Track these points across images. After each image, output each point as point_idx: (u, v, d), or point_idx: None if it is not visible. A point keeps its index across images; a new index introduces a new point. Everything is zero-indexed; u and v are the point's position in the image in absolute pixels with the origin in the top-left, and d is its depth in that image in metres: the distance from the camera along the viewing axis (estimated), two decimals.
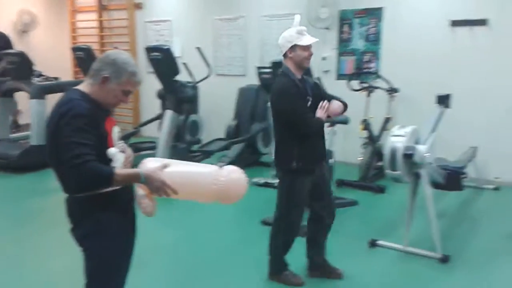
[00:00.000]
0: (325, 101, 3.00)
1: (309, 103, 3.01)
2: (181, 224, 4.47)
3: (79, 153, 1.82)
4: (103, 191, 1.95)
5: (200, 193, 2.13)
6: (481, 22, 5.37)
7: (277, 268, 3.30)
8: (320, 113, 2.97)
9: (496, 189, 5.27)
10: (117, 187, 1.98)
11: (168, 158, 5.31)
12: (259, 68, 5.99)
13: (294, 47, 2.95)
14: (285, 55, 3.01)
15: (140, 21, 8.41)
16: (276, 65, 4.44)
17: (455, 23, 5.53)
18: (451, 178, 4.23)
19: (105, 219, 2.02)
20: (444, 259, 3.55)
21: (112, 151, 2.00)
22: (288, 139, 3.05)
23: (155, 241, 3.94)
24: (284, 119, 3.02)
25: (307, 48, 2.96)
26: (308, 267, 3.39)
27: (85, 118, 1.89)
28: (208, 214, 4.60)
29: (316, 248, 3.36)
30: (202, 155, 5.92)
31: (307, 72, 4.23)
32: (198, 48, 5.74)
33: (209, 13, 7.55)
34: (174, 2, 7.96)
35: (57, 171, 2.00)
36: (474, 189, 5.25)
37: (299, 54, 2.95)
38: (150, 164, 2.03)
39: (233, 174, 2.13)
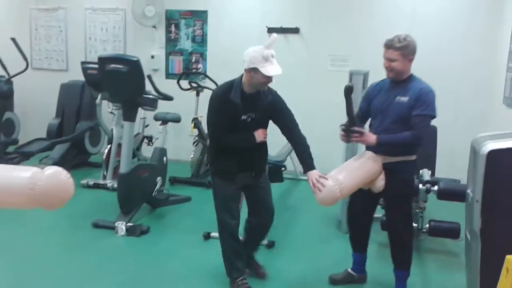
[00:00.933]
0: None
1: (248, 118, 2.97)
2: None
3: None
4: None
5: (16, 200, 1.88)
6: (294, 30, 6.02)
7: (229, 274, 3.24)
8: (259, 134, 3.02)
9: None
10: None
11: None
12: (84, 63, 5.71)
13: (255, 70, 2.81)
14: (245, 69, 2.90)
15: None
16: (103, 60, 4.29)
17: (271, 30, 6.08)
18: (273, 171, 4.65)
19: None
20: (270, 245, 3.93)
21: None
22: (211, 142, 3.17)
23: None
24: (209, 125, 3.07)
25: (268, 78, 2.85)
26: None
27: None
28: (33, 219, 4.27)
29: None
30: (20, 156, 5.40)
31: (135, 64, 4.18)
32: (13, 39, 5.22)
33: (25, 1, 6.90)
34: None
35: None
36: (292, 180, 5.87)
37: (258, 79, 2.84)
38: None
39: (53, 176, 1.91)
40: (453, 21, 5.54)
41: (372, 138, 2.94)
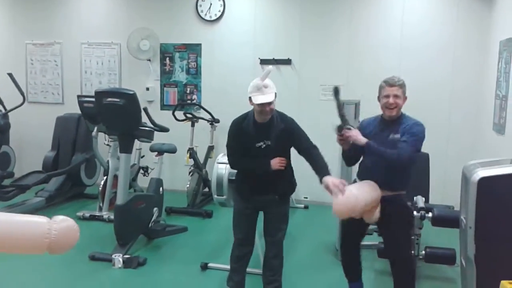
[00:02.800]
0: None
1: (263, 145, 3.20)
2: None
3: None
4: None
5: (29, 247, 1.97)
6: (286, 62, 6.16)
7: (227, 281, 3.52)
8: (275, 162, 3.19)
9: (305, 207, 6.01)
10: None
11: None
12: (80, 96, 5.78)
13: (251, 99, 3.12)
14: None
15: None
16: (100, 94, 4.36)
17: (264, 61, 6.22)
18: None
19: None
20: None
21: None
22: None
23: None
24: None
25: (260, 105, 3.09)
26: None
27: None
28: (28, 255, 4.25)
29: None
30: (17, 190, 5.39)
31: (132, 97, 4.29)
32: (10, 74, 5.29)
33: (20, 36, 7.02)
34: None
35: None
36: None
37: (255, 107, 3.14)
38: None
39: (66, 227, 2.01)
40: (441, 54, 5.68)
41: (362, 138, 3.02)
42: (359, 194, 2.90)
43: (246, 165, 3.32)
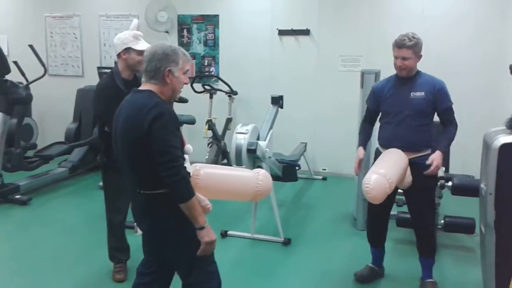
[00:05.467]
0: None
1: None
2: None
3: (177, 156, 2.02)
4: None
5: (243, 195, 2.53)
6: (305, 32, 6.08)
7: (110, 258, 3.45)
8: None
9: (324, 179, 6.02)
10: None
11: (1, 165, 4.95)
12: (100, 68, 5.84)
13: (128, 50, 3.07)
14: (118, 55, 3.14)
15: None
16: None
17: (282, 32, 6.16)
18: (287, 170, 4.74)
19: (184, 216, 2.09)
20: (287, 242, 4.00)
21: (189, 147, 2.18)
22: (100, 136, 3.23)
23: None
24: (97, 116, 3.25)
25: (141, 52, 3.00)
26: None
27: (176, 121, 2.08)
28: (54, 221, 4.41)
29: None
30: (40, 160, 5.52)
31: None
32: (31, 46, 5.33)
33: (39, 9, 7.07)
34: None
35: (138, 169, 2.11)
36: (306, 179, 5.93)
37: (133, 57, 3.08)
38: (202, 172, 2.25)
39: (266, 177, 2.50)
40: (462, 21, 5.55)
41: (439, 154, 3.03)
42: (388, 173, 2.80)
43: None
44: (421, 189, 3.08)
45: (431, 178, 3.09)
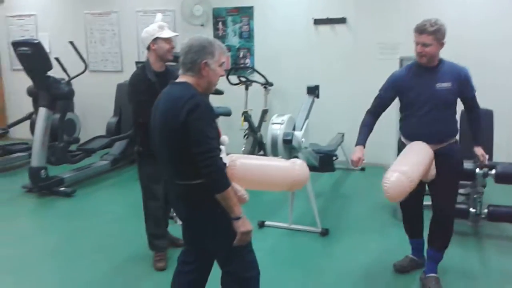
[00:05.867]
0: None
1: None
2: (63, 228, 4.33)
3: (213, 147, 2.04)
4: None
5: (280, 185, 2.51)
6: (341, 20, 5.99)
7: (150, 247, 3.52)
8: None
9: (362, 169, 5.94)
10: None
11: (46, 159, 5.14)
12: (138, 63, 5.94)
13: (156, 40, 3.19)
14: (148, 48, 3.25)
15: (1, 15, 7.76)
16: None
17: (318, 22, 6.09)
18: (324, 161, 4.69)
19: (220, 206, 2.11)
20: (324, 233, 3.97)
21: (225, 138, 2.20)
22: (135, 126, 3.35)
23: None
24: (131, 108, 3.31)
25: (168, 40, 3.21)
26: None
27: (212, 112, 2.11)
28: (103, 211, 4.55)
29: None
30: (83, 153, 5.70)
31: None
32: (71, 43, 5.49)
33: (79, 7, 7.27)
34: None
35: (176, 160, 2.13)
36: (344, 170, 5.87)
37: (162, 47, 3.20)
38: (238, 162, 2.26)
39: (303, 166, 2.49)
40: (509, 9, 5.28)
41: (481, 149, 3.08)
42: (409, 170, 2.69)
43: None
44: (445, 180, 2.95)
45: (455, 169, 2.99)
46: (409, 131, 3.04)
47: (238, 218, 2.10)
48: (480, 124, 3.07)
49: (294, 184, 2.48)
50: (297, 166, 2.46)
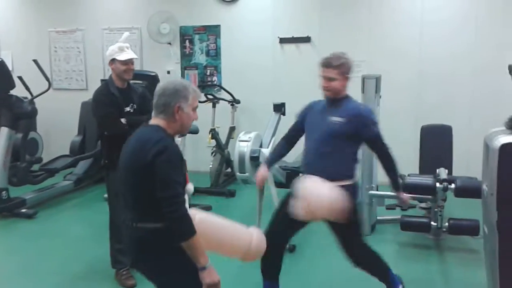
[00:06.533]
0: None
1: (131, 109, 3.36)
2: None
3: (179, 192, 1.99)
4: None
5: (231, 253, 2.35)
6: (306, 39, 6.13)
7: (113, 264, 3.49)
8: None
9: None
10: None
11: (7, 179, 5.00)
12: (104, 81, 5.87)
13: (114, 61, 3.31)
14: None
15: None
16: None
17: (283, 40, 6.21)
18: (291, 177, 4.73)
19: (185, 254, 2.01)
20: (292, 249, 4.00)
21: (190, 187, 2.19)
22: (101, 140, 3.53)
23: None
24: (97, 122, 3.45)
25: (124, 62, 3.29)
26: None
27: (180, 157, 2.06)
28: (62, 232, 4.44)
29: None
30: (46, 173, 5.56)
31: (154, 79, 4.49)
32: (35, 61, 5.41)
33: (43, 24, 7.16)
34: None
35: (139, 201, 2.07)
36: None
37: (118, 67, 3.30)
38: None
39: (261, 240, 2.35)
40: (463, 26, 5.57)
41: (402, 194, 2.99)
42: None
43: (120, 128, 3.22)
44: (340, 229, 2.88)
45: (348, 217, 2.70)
46: (303, 163, 2.94)
47: (204, 269, 2.01)
48: (391, 166, 2.83)
49: (247, 257, 2.32)
50: (255, 240, 2.31)
